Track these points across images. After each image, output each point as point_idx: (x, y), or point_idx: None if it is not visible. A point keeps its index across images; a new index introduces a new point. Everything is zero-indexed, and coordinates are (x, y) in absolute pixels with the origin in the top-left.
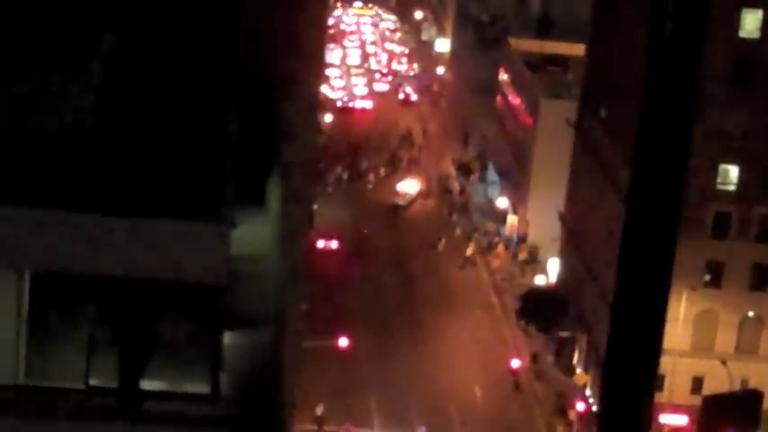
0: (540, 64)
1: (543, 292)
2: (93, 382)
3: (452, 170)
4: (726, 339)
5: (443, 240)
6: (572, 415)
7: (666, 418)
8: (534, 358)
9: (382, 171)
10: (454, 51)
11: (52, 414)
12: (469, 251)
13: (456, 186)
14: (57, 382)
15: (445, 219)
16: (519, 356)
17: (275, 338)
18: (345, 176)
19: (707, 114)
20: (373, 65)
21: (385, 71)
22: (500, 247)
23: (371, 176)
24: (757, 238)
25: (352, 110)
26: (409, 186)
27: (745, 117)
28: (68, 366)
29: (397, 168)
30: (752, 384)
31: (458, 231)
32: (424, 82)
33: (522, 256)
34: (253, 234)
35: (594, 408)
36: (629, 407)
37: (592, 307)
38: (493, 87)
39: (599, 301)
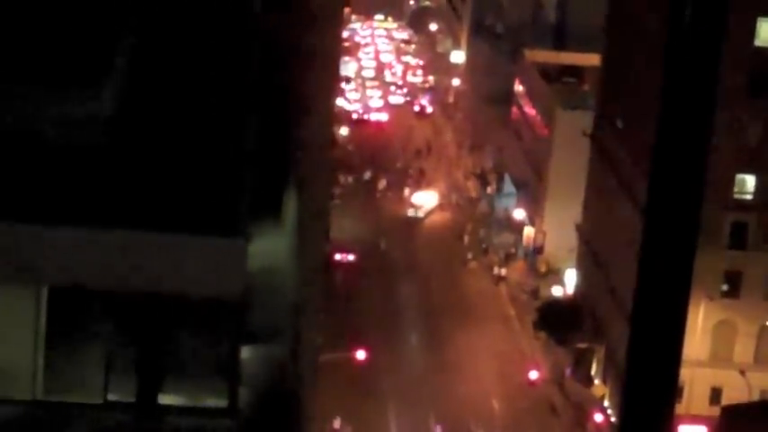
0: (556, 75)
1: (560, 304)
2: (111, 397)
3: (468, 182)
4: (744, 349)
5: (472, 256)
6: (590, 426)
7: (685, 429)
8: (560, 372)
9: (403, 185)
10: (469, 63)
11: (70, 430)
12: (496, 269)
13: (475, 198)
14: (75, 398)
15: (462, 232)
16: (537, 368)
17: (292, 352)
18: (350, 180)
19: (723, 124)
20: (388, 77)
21: (400, 83)
22: (518, 259)
23: (381, 185)
24: None
25: (367, 122)
26: (426, 198)
27: (761, 127)
28: (86, 382)
29: (413, 180)
30: None
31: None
32: (440, 94)
33: (542, 267)
34: (269, 247)
35: (613, 419)
36: (650, 418)
37: (609, 318)
38: (508, 98)
39: (616, 312)
